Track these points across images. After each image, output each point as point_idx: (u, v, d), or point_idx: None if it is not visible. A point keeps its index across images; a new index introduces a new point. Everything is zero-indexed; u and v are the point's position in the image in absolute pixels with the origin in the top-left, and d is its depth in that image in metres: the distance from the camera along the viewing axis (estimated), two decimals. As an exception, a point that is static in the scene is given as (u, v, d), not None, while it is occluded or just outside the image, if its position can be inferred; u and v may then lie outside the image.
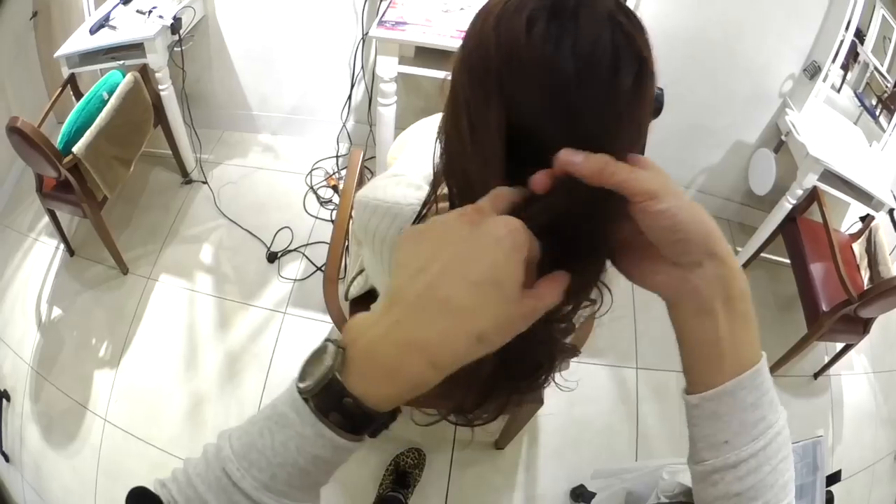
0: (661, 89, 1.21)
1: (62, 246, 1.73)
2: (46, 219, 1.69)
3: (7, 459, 1.36)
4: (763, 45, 1.66)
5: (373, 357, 0.30)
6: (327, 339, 0.32)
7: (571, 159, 0.32)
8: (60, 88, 1.59)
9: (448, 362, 0.30)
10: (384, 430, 0.32)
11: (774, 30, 1.63)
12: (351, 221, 1.06)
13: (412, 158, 0.72)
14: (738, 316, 0.34)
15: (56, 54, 1.57)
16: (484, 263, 0.30)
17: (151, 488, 0.31)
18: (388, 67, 1.29)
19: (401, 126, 1.53)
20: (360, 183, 1.13)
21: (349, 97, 1.88)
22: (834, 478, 1.29)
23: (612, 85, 0.34)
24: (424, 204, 0.53)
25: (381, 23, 1.30)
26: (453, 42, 1.22)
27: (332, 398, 0.30)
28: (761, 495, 0.34)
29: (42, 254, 1.74)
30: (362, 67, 1.80)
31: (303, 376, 0.31)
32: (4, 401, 1.44)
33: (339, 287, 1.03)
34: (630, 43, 0.35)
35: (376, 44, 1.29)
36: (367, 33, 1.68)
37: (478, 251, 0.30)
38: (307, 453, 0.30)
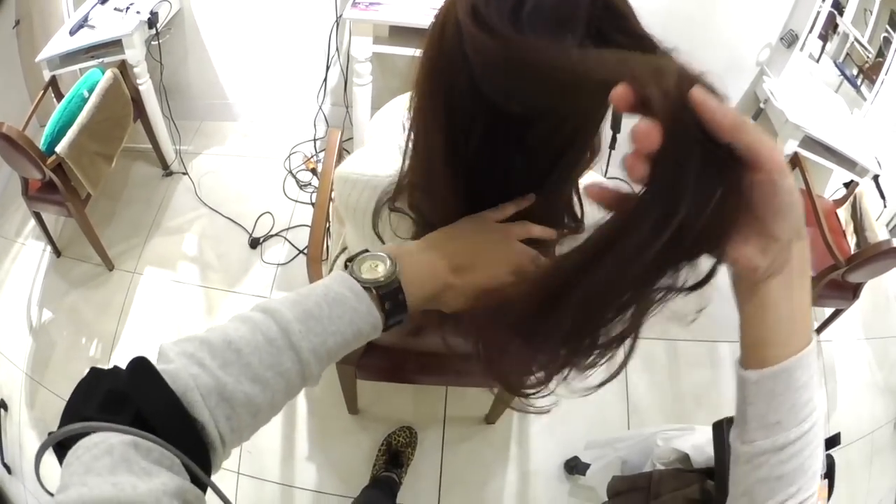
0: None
1: (49, 248, 1.73)
2: (32, 223, 1.69)
3: (9, 471, 1.36)
4: (737, 15, 1.67)
5: (416, 265, 0.44)
6: (369, 252, 0.43)
7: (708, 101, 0.27)
8: (42, 91, 1.60)
9: (467, 262, 0.44)
10: (400, 324, 0.43)
11: (748, 0, 1.64)
12: (331, 200, 1.06)
13: (387, 132, 0.73)
14: (806, 293, 0.34)
15: (38, 58, 1.58)
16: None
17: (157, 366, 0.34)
18: (363, 48, 1.29)
19: (376, 106, 1.54)
20: (339, 162, 1.14)
21: (324, 80, 1.89)
22: (833, 441, 1.29)
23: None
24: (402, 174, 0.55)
25: (354, 3, 1.30)
26: (427, 19, 1.23)
27: (393, 292, 0.41)
28: (797, 480, 0.34)
29: (29, 257, 1.74)
30: (337, 49, 1.81)
31: (359, 272, 0.42)
32: (3, 411, 1.43)
33: (323, 267, 1.03)
34: None
35: (350, 25, 1.29)
36: (341, 15, 1.68)
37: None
38: (356, 326, 0.40)
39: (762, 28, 1.69)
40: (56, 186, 1.46)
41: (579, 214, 0.52)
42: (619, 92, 0.28)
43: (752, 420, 0.35)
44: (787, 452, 0.34)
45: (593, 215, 0.63)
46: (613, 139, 1.16)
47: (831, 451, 1.26)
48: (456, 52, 0.39)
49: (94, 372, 0.34)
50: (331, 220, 1.09)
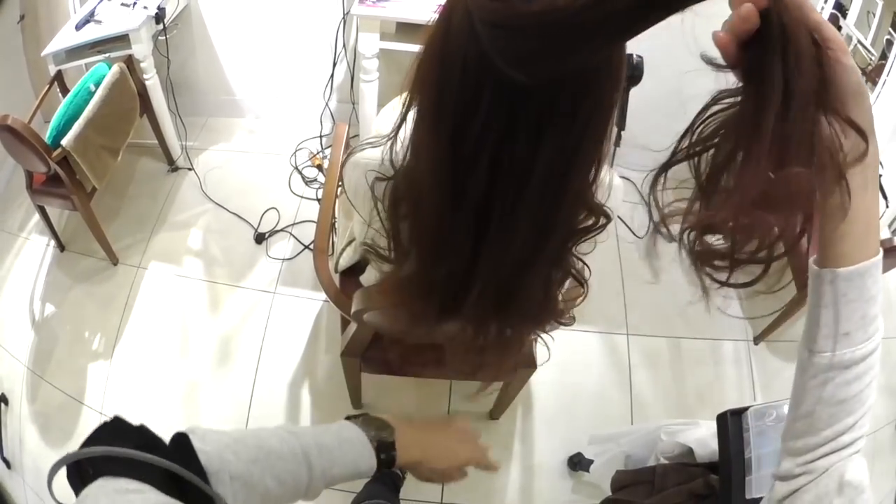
0: (640, 57, 1.21)
1: (52, 242, 1.73)
2: (36, 217, 1.69)
3: (9, 466, 1.36)
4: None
5: (406, 437, 0.55)
6: (370, 415, 0.56)
7: None
8: (48, 86, 1.60)
9: (433, 455, 0.59)
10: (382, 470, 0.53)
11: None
12: (338, 196, 1.06)
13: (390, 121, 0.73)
14: (876, 195, 0.35)
15: (43, 52, 1.58)
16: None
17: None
18: (370, 44, 1.30)
19: (382, 103, 1.55)
20: (346, 156, 1.14)
21: (331, 76, 1.89)
22: None
23: None
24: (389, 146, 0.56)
25: (362, 0, 1.31)
26: (434, 16, 1.23)
27: (388, 448, 0.53)
28: (856, 410, 0.35)
29: (33, 252, 1.74)
30: (344, 46, 1.81)
31: (367, 428, 0.54)
32: (3, 405, 1.43)
33: (329, 262, 1.03)
34: None
35: (357, 21, 1.30)
36: (348, 12, 1.68)
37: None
38: (356, 464, 0.51)
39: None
40: (61, 180, 1.46)
41: (604, 208, 0.52)
42: None
43: (824, 326, 0.34)
44: (853, 372, 0.34)
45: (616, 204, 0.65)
46: (618, 136, 1.16)
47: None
48: (464, 29, 0.39)
49: (121, 421, 0.40)
50: (337, 214, 1.09)
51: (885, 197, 1.74)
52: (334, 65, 1.85)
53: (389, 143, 0.55)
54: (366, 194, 0.62)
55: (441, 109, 0.44)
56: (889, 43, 1.69)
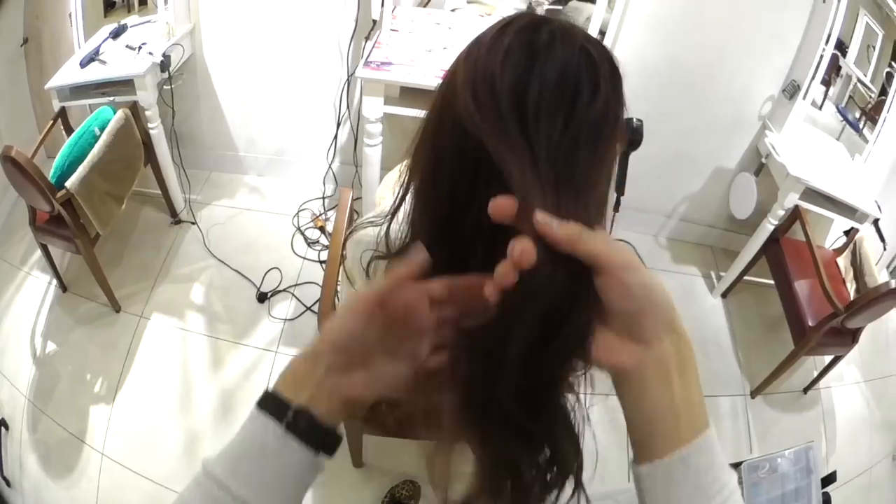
0: (640, 121, 1.22)
1: (55, 281, 1.73)
2: (39, 252, 1.69)
3: (9, 484, 1.36)
4: (742, 68, 1.68)
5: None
6: None
7: (547, 222, 0.31)
8: (51, 122, 1.60)
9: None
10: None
11: (753, 53, 1.66)
12: (342, 263, 1.07)
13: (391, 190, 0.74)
14: (690, 383, 0.35)
15: (47, 86, 1.58)
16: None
17: None
18: (374, 108, 1.30)
19: (386, 167, 1.55)
20: (350, 221, 1.15)
21: (335, 138, 1.90)
22: (829, 479, 1.31)
23: (572, 109, 0.35)
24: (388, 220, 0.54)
25: (366, 63, 1.32)
26: (438, 82, 1.24)
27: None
28: None
29: (35, 288, 1.74)
30: (347, 108, 1.82)
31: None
32: (3, 429, 1.44)
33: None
34: (592, 72, 0.36)
35: (362, 84, 1.30)
36: (352, 73, 1.70)
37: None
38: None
39: (765, 80, 1.71)
40: (64, 221, 1.46)
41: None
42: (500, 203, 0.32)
43: None
44: None
45: None
46: (617, 202, 1.18)
47: (828, 490, 1.28)
48: (457, 124, 0.38)
49: None
50: (340, 280, 1.10)
51: (882, 240, 1.76)
52: (338, 126, 1.86)
53: (387, 222, 0.54)
54: (362, 272, 0.63)
55: (435, 192, 0.43)
56: (889, 76, 1.70)
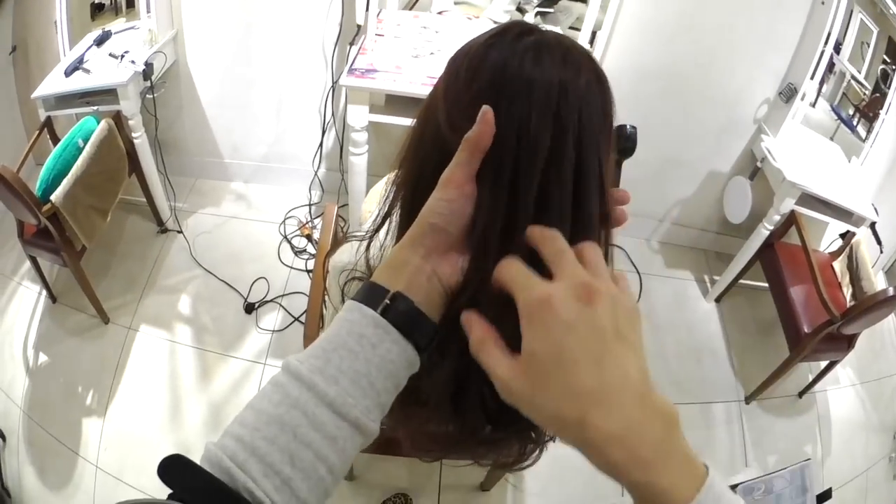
0: (633, 128, 1.20)
1: (45, 292, 1.72)
2: (29, 263, 1.68)
3: (9, 495, 1.37)
4: (737, 72, 1.65)
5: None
6: None
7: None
8: (38, 132, 1.58)
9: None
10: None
11: (749, 55, 1.62)
12: (325, 289, 1.06)
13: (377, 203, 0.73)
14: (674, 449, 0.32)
15: (33, 95, 1.56)
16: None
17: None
18: (360, 116, 1.28)
19: (373, 174, 1.53)
20: (335, 235, 1.14)
21: (320, 145, 1.87)
22: (824, 496, 1.31)
23: (556, 122, 0.36)
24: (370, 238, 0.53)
25: (351, 70, 1.29)
26: (424, 89, 1.21)
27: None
28: None
29: (26, 298, 1.74)
30: (333, 115, 1.79)
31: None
32: (1, 441, 1.44)
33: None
34: (576, 86, 0.36)
35: (346, 92, 1.27)
36: (336, 81, 1.66)
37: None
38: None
39: (761, 84, 1.68)
40: (51, 234, 1.45)
41: None
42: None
43: None
44: None
45: None
46: (606, 213, 1.16)
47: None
48: (438, 138, 0.40)
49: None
50: (325, 304, 1.09)
51: (879, 243, 1.74)
52: (323, 133, 1.83)
53: (366, 240, 0.53)
54: (338, 292, 0.62)
55: (421, 204, 0.42)
56: (884, 73, 1.67)
